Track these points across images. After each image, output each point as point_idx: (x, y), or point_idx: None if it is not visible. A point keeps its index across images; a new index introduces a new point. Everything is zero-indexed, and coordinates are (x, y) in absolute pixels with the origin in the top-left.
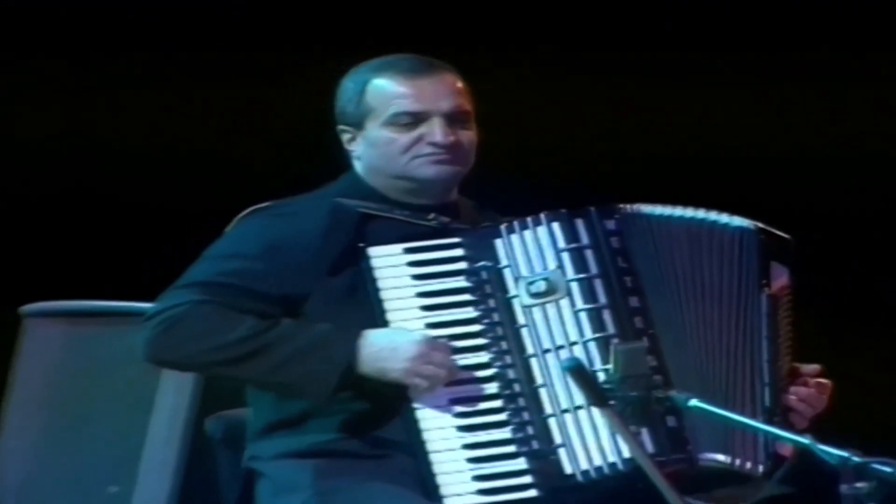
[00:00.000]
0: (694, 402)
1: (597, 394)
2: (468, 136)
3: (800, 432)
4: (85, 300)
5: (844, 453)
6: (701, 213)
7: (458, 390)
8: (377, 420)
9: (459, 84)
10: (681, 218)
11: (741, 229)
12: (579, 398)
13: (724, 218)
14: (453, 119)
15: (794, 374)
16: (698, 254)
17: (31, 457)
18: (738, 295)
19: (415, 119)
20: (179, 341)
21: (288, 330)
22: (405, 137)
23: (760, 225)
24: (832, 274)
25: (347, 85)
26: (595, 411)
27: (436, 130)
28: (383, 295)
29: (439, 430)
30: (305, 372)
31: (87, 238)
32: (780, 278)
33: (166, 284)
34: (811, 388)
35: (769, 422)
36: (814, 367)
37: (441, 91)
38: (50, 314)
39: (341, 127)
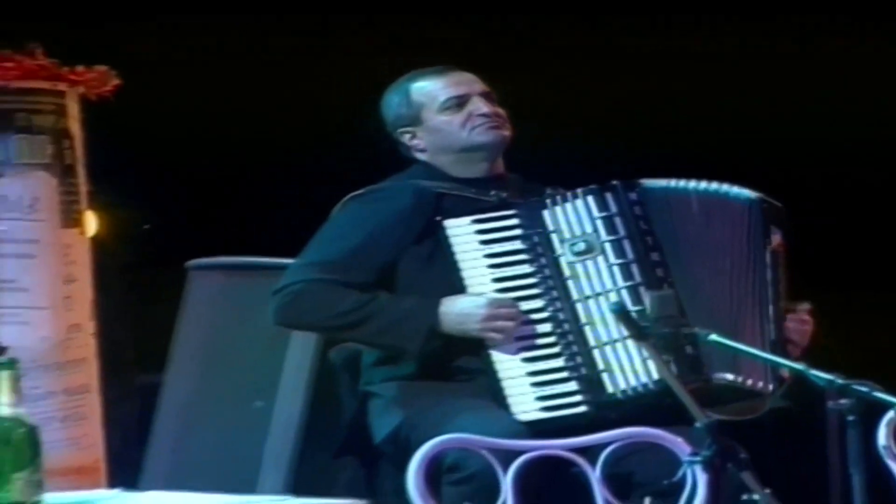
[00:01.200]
0: (713, 336)
1: (636, 330)
2: (501, 110)
3: (796, 360)
4: (237, 257)
5: (830, 377)
6: (713, 186)
7: (521, 331)
8: (460, 355)
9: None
10: (695, 189)
11: (748, 199)
12: (616, 333)
13: (734, 189)
14: (487, 97)
15: (789, 311)
16: (710, 218)
17: (195, 380)
18: (747, 250)
19: (460, 101)
20: (299, 313)
21: (383, 303)
22: (458, 117)
23: (762, 195)
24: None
25: (392, 98)
26: (630, 343)
27: (480, 105)
28: (458, 258)
29: (508, 361)
30: (398, 337)
31: (238, 200)
32: (776, 237)
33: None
34: (805, 322)
35: (773, 352)
36: (805, 306)
37: (469, 79)
38: (209, 268)
39: (400, 130)
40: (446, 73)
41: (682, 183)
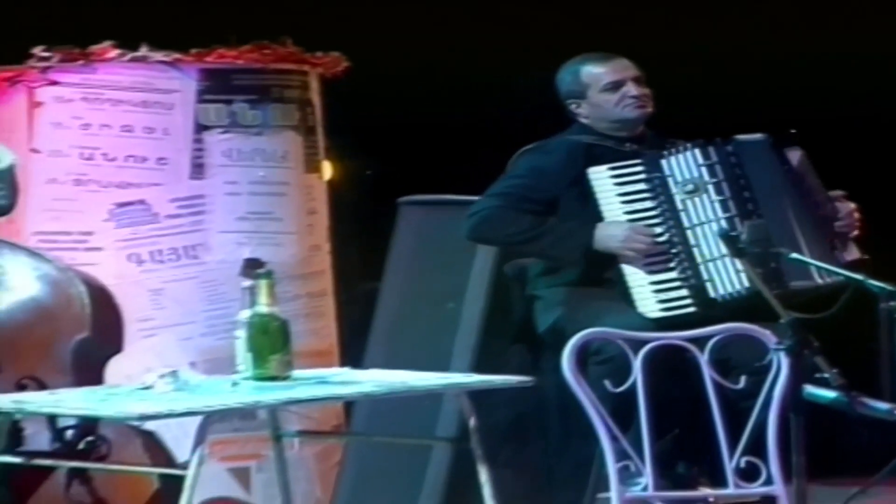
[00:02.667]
0: (792, 255)
1: (734, 249)
2: (647, 91)
3: (854, 270)
4: (436, 195)
5: (882, 284)
6: (756, 136)
7: (647, 250)
8: (605, 268)
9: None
10: (757, 141)
11: (765, 140)
12: (717, 252)
13: (751, 137)
14: (637, 81)
15: (830, 200)
16: (773, 161)
17: (403, 287)
18: (795, 183)
19: (617, 85)
20: (486, 231)
21: (551, 226)
22: (615, 97)
23: (765, 135)
24: None
25: (565, 76)
26: (728, 260)
27: (631, 89)
28: (598, 197)
29: (636, 273)
30: (562, 250)
31: (438, 149)
32: (795, 153)
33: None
34: (849, 212)
35: (834, 262)
36: (839, 192)
37: (625, 65)
38: (415, 203)
39: (569, 101)
40: (609, 60)
41: (755, 136)
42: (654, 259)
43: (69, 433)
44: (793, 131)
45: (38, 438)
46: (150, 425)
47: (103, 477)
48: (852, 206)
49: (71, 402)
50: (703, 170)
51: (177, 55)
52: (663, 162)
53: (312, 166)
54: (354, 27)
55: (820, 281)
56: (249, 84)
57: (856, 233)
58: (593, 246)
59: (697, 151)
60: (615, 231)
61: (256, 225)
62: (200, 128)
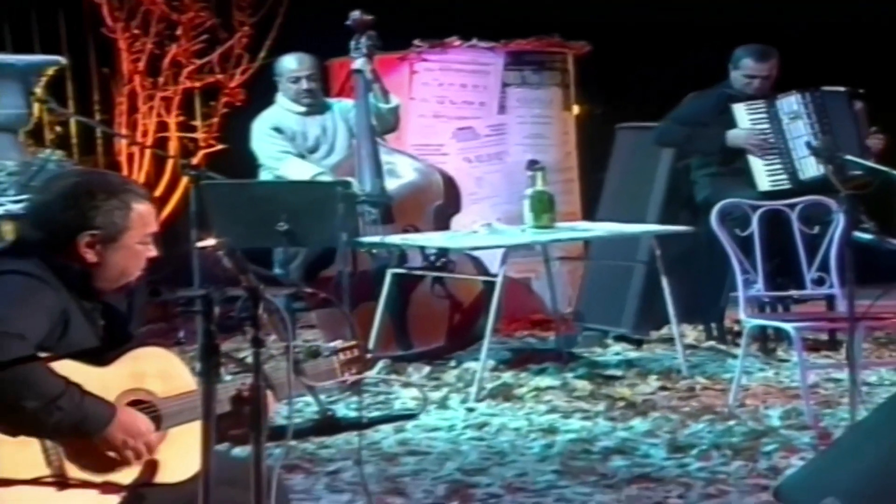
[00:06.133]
0: (848, 157)
1: (814, 151)
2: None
3: (878, 162)
4: (640, 122)
5: None
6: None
7: (763, 147)
8: (737, 161)
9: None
10: (837, 91)
11: (846, 92)
12: (805, 152)
13: (836, 88)
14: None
15: (870, 135)
16: (844, 105)
17: (618, 178)
18: (855, 121)
19: (754, 77)
20: (666, 137)
21: (709, 131)
22: (754, 82)
23: (848, 88)
24: None
25: (732, 64)
26: (812, 158)
27: (748, 70)
28: (737, 121)
29: (756, 163)
30: (710, 146)
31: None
32: (859, 104)
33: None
34: (878, 139)
35: (870, 159)
36: (874, 128)
37: (765, 67)
38: (625, 129)
39: (731, 68)
40: (755, 56)
41: (838, 87)
42: (767, 155)
43: (432, 257)
44: (861, 90)
45: (415, 259)
46: (477, 253)
47: (451, 281)
48: (881, 137)
49: (433, 239)
50: (800, 106)
51: (492, 44)
52: (777, 102)
53: (566, 107)
54: (596, 22)
55: (863, 173)
56: (532, 60)
57: (880, 148)
58: (728, 142)
59: (798, 95)
60: (743, 133)
61: (552, 140)
62: (504, 85)
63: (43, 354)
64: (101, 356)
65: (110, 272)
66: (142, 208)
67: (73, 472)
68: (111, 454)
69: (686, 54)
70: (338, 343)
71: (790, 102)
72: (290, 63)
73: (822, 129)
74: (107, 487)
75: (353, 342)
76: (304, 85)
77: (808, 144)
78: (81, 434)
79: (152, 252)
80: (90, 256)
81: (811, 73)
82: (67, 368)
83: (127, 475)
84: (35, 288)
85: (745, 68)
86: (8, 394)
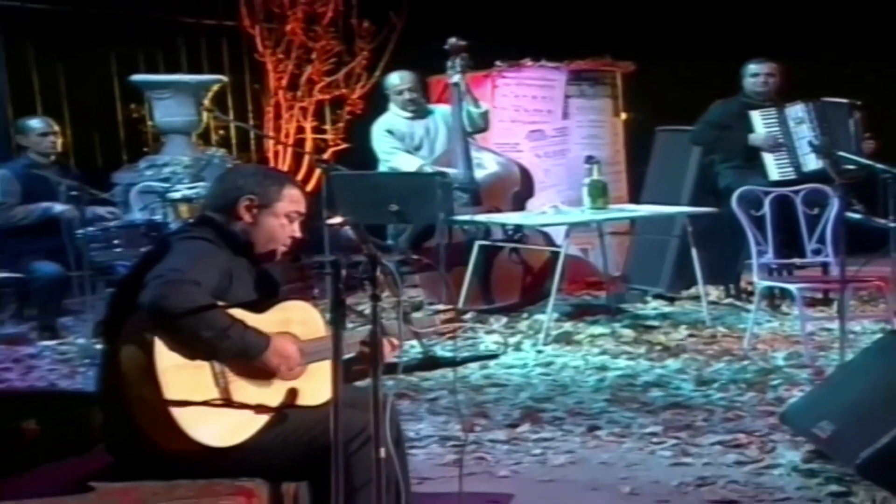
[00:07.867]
0: (843, 153)
1: (815, 149)
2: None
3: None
4: (674, 126)
5: (886, 167)
6: (839, 99)
7: (774, 145)
8: (754, 157)
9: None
10: (839, 102)
11: (849, 103)
12: (808, 149)
13: (838, 100)
14: (772, 72)
15: (865, 139)
16: (845, 114)
17: (658, 168)
18: (853, 126)
19: (758, 75)
20: (699, 141)
21: (725, 135)
22: (759, 79)
23: (850, 100)
24: None
25: (742, 75)
26: (813, 154)
27: (761, 77)
28: (753, 125)
29: (768, 157)
30: (734, 145)
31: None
32: (857, 113)
33: None
34: (871, 143)
35: (865, 157)
36: (867, 134)
37: (765, 67)
38: (663, 130)
39: (745, 79)
40: (759, 63)
41: (840, 99)
42: (777, 151)
43: (510, 231)
44: (859, 103)
45: (497, 233)
46: (546, 228)
47: (525, 251)
48: (872, 142)
49: (511, 218)
50: (805, 113)
51: (557, 63)
52: (785, 110)
53: (616, 114)
54: (644, 49)
55: (853, 167)
56: (589, 76)
57: (872, 150)
58: (748, 143)
59: (803, 104)
60: (761, 135)
61: (605, 140)
62: (566, 96)
63: (219, 303)
64: (257, 306)
65: (262, 235)
66: (293, 191)
67: (238, 389)
68: (269, 372)
69: (708, 72)
70: (439, 306)
71: (796, 110)
72: (394, 79)
73: (822, 132)
74: (260, 409)
75: (450, 306)
76: (406, 96)
77: (810, 143)
78: (246, 357)
79: (297, 233)
80: (247, 217)
81: (816, 84)
82: (234, 313)
83: (274, 398)
84: (209, 249)
85: (751, 71)
86: (192, 327)
